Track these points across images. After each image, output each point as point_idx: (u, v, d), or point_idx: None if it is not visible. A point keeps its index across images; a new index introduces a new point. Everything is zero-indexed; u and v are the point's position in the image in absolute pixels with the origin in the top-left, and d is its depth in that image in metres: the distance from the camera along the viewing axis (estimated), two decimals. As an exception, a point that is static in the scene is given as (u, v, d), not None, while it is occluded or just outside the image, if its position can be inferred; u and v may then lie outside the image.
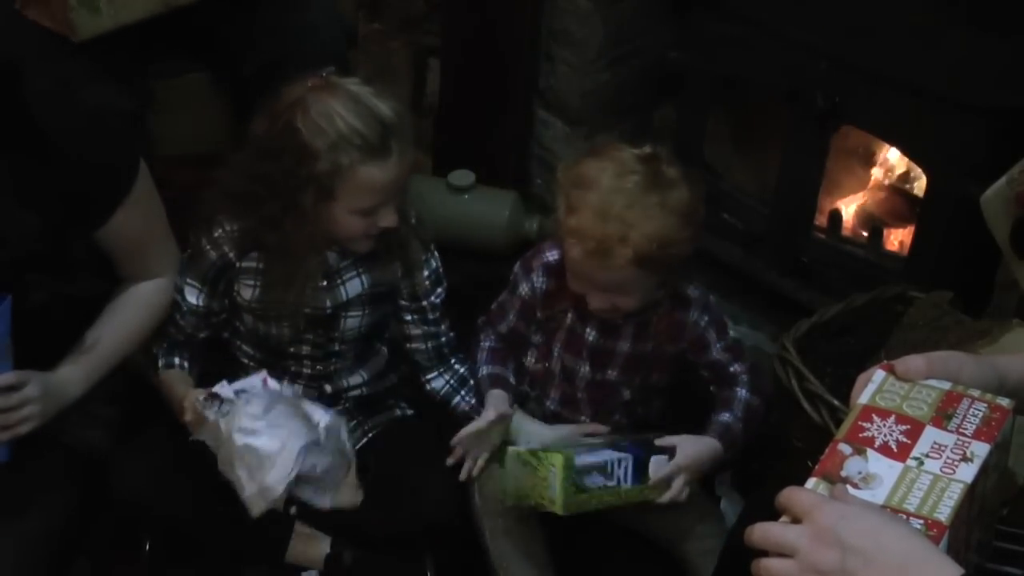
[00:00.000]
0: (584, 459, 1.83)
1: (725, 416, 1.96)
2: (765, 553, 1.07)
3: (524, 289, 1.98)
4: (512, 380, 2.02)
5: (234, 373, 2.02)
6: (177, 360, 1.96)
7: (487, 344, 2.04)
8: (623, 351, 1.96)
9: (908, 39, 2.11)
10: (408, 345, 2.03)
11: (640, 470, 1.88)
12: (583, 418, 2.02)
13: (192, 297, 1.90)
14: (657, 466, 1.88)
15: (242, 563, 1.94)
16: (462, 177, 2.72)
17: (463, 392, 2.03)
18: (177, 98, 2.24)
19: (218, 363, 2.02)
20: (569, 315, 1.95)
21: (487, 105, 2.76)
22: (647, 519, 2.01)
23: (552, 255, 1.95)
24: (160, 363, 1.96)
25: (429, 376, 2.04)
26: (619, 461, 1.85)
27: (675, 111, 2.68)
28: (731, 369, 1.99)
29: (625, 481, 1.86)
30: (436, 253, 1.99)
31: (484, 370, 2.01)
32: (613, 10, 2.56)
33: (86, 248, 1.77)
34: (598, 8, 2.54)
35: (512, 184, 2.76)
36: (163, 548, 1.95)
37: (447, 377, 2.04)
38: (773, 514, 1.11)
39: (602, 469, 1.84)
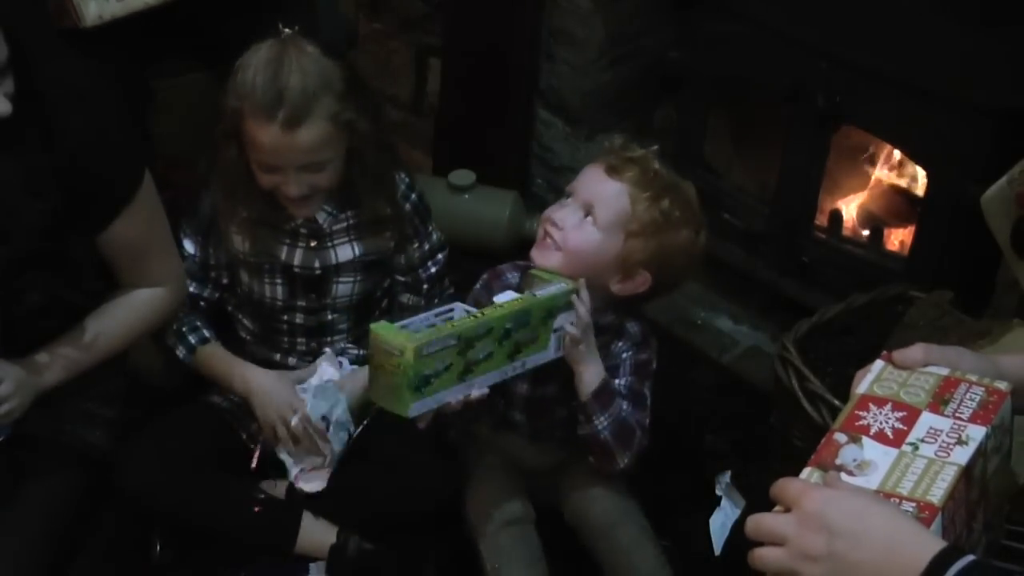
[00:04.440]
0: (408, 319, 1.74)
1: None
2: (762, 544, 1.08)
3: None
4: None
5: (234, 351, 2.05)
6: (206, 332, 1.99)
7: None
8: (563, 369, 1.91)
9: (909, 39, 2.11)
10: (402, 304, 2.06)
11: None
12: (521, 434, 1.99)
13: (189, 247, 1.96)
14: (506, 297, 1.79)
15: (250, 555, 1.94)
16: (462, 177, 2.72)
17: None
18: (177, 98, 2.24)
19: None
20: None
21: (487, 105, 2.76)
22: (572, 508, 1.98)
23: (511, 277, 1.93)
24: (191, 340, 1.98)
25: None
26: (457, 308, 1.78)
27: (675, 111, 2.68)
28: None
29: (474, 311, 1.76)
30: (436, 231, 2.04)
31: None
32: (613, 10, 2.56)
33: (86, 252, 1.77)
34: (599, 8, 2.55)
35: (512, 184, 2.76)
36: (171, 547, 1.95)
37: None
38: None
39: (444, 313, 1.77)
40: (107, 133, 1.71)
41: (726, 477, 2.15)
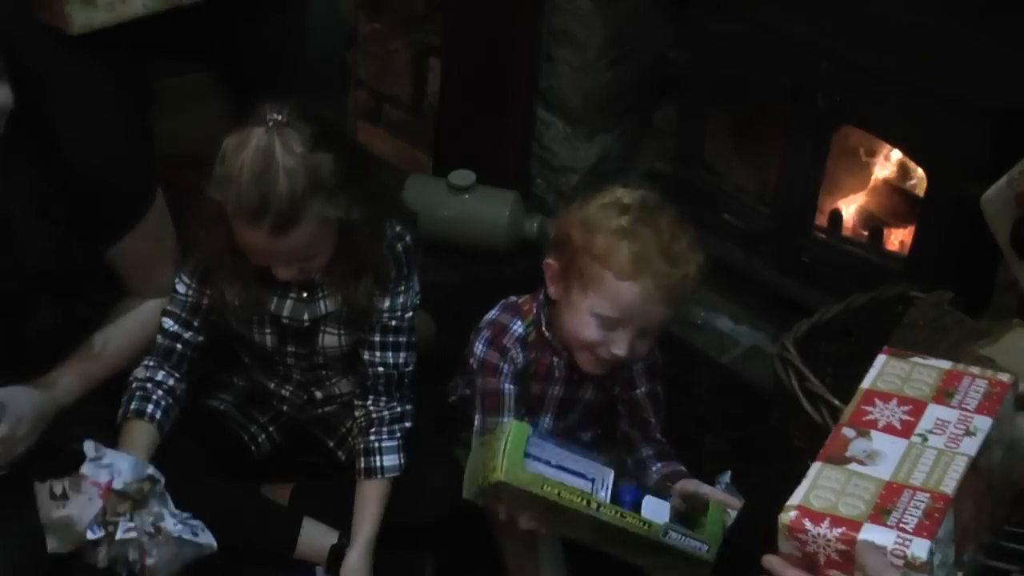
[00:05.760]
0: (551, 443, 1.72)
1: (671, 466, 1.92)
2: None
3: (507, 368, 1.88)
4: None
5: (235, 372, 2.04)
6: (150, 408, 1.87)
7: None
8: (585, 398, 1.95)
9: (909, 39, 2.11)
10: (358, 367, 1.95)
11: (623, 497, 1.74)
12: None
13: (181, 287, 1.90)
14: (653, 506, 1.73)
15: (251, 560, 1.94)
16: (462, 177, 2.72)
17: (372, 431, 1.93)
18: (177, 98, 2.24)
19: (216, 367, 2.03)
20: (555, 388, 1.93)
21: (487, 105, 2.76)
22: None
23: (517, 328, 1.89)
24: (132, 405, 1.86)
25: (358, 403, 1.96)
26: (600, 474, 1.74)
27: (675, 111, 2.68)
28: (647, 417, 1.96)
29: (603, 494, 1.72)
30: (415, 285, 1.93)
31: None
32: (613, 10, 2.56)
33: (96, 265, 1.77)
34: (598, 8, 2.55)
35: (512, 184, 2.76)
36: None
37: (362, 415, 1.94)
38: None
39: (577, 472, 1.73)
40: (118, 150, 1.71)
41: (726, 477, 2.14)
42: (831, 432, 1.20)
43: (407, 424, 1.94)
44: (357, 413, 1.95)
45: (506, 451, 1.64)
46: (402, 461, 1.92)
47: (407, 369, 1.94)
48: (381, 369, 1.92)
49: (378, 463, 1.91)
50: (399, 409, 1.94)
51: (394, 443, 1.92)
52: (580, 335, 1.80)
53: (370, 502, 1.91)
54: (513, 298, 1.94)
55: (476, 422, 1.90)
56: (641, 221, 1.76)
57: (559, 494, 1.65)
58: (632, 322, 1.77)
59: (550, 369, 1.90)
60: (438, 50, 2.85)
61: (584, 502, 1.67)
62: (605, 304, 1.76)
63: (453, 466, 1.94)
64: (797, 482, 1.14)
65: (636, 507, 1.72)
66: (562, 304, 1.83)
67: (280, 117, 1.68)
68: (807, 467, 1.63)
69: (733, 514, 1.76)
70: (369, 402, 1.93)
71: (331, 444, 2.06)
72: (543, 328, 1.87)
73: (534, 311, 1.89)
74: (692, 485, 1.82)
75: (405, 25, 2.94)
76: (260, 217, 1.67)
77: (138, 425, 1.86)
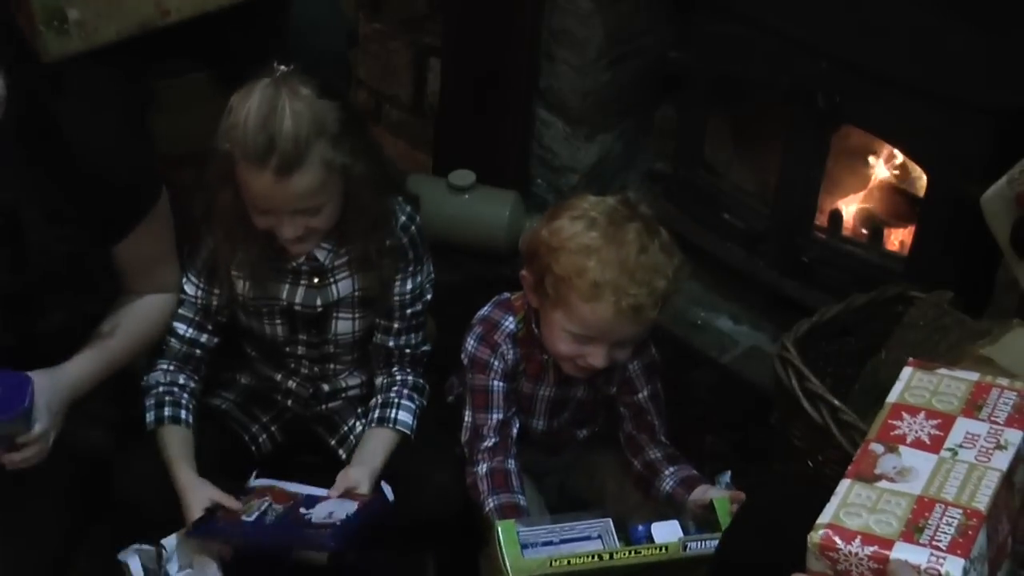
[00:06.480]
0: (540, 524, 1.77)
1: (684, 470, 1.93)
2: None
3: (497, 365, 1.89)
4: (521, 494, 1.87)
5: (239, 366, 2.04)
6: (183, 414, 1.89)
7: (483, 469, 1.88)
8: (577, 397, 1.95)
9: (908, 39, 2.11)
10: (372, 341, 1.98)
11: (631, 534, 1.78)
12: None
13: (190, 288, 1.91)
14: (663, 530, 1.77)
15: (248, 562, 1.94)
16: (462, 177, 2.72)
17: (393, 389, 1.97)
18: (177, 98, 2.24)
19: (218, 365, 2.02)
20: (546, 389, 1.93)
21: (487, 105, 2.76)
22: None
23: (508, 324, 1.90)
24: (166, 411, 1.89)
25: (380, 371, 1.99)
26: (601, 527, 1.78)
27: (675, 111, 2.69)
28: (650, 420, 1.96)
29: (613, 543, 1.76)
30: (428, 265, 1.96)
31: (490, 504, 1.85)
32: (613, 10, 2.56)
33: (105, 263, 1.78)
34: (599, 8, 2.55)
35: (512, 184, 2.76)
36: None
37: (384, 378, 1.99)
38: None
39: (579, 537, 1.78)
40: (125, 146, 1.71)
41: (726, 477, 2.14)
42: (859, 448, 1.18)
43: (424, 400, 1.98)
44: (378, 380, 1.99)
45: (503, 553, 1.70)
46: (415, 426, 1.94)
47: (426, 348, 2.00)
48: (408, 351, 1.97)
49: (393, 414, 1.94)
50: (421, 381, 1.99)
51: (412, 405, 1.96)
52: (556, 348, 1.82)
53: (378, 445, 1.92)
54: (506, 294, 1.94)
55: (466, 418, 1.91)
56: (606, 237, 1.75)
57: (569, 562, 1.69)
58: (604, 338, 1.78)
59: (542, 367, 1.90)
60: (438, 50, 2.85)
61: (595, 558, 1.71)
62: (574, 323, 1.77)
63: (454, 466, 1.94)
64: (796, 482, 1.14)
65: (649, 538, 1.75)
66: (540, 314, 1.85)
67: (286, 68, 1.73)
68: (807, 467, 1.63)
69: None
70: (395, 369, 1.98)
71: (332, 442, 2.06)
72: (533, 325, 1.88)
73: (526, 307, 1.89)
74: (708, 494, 1.83)
75: (405, 25, 2.94)
76: (265, 157, 1.69)
77: (178, 431, 1.89)
